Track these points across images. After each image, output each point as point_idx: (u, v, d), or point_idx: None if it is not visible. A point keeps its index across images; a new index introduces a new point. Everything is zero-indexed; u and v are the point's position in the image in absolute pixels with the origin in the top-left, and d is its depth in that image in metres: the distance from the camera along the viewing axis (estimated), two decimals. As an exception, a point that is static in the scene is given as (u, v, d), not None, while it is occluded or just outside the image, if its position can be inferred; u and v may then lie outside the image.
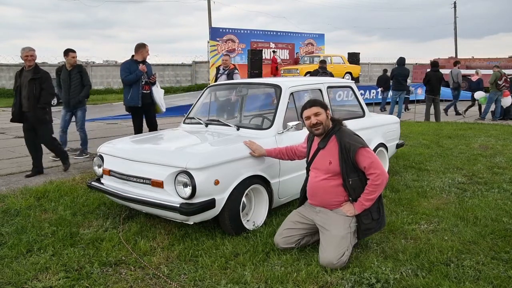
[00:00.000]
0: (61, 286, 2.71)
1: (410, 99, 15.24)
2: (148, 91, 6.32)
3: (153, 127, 6.53)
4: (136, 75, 6.12)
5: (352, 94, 5.21)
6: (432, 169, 5.71)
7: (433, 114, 11.68)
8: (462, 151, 6.90)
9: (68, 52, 6.57)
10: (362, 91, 16.15)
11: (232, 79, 7.57)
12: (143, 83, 6.22)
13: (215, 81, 7.93)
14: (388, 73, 15.05)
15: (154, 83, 6.35)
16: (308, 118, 3.14)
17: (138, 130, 6.43)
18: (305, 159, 3.36)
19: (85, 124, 6.87)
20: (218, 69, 8.16)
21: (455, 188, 4.82)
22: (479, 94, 13.42)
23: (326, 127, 3.14)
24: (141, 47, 6.30)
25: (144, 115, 6.45)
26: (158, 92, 6.44)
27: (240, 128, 4.06)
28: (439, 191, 4.71)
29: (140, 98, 6.22)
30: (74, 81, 6.57)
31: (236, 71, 7.93)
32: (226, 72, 7.82)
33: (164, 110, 6.57)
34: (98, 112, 14.18)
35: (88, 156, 6.83)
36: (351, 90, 5.21)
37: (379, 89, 15.28)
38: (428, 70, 12.31)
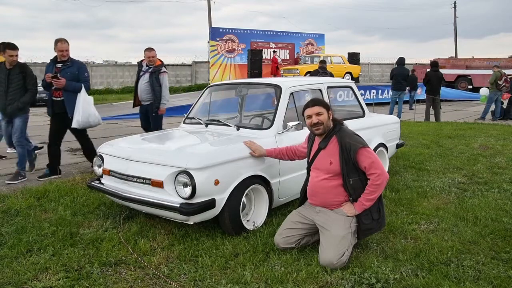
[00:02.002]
0: (61, 286, 2.71)
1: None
2: (60, 98, 5.23)
3: (82, 141, 5.52)
4: (43, 82, 5.21)
5: (352, 94, 5.21)
6: (432, 169, 5.71)
7: (433, 114, 11.69)
8: (462, 151, 6.90)
9: (5, 48, 5.22)
10: (362, 91, 16.17)
11: (158, 79, 6.20)
12: (53, 88, 5.22)
13: (137, 79, 6.44)
14: (415, 73, 15.40)
15: (68, 89, 5.15)
16: (310, 117, 3.14)
17: (51, 141, 5.46)
18: (306, 159, 3.36)
19: (24, 136, 5.49)
20: (140, 65, 6.49)
21: (455, 188, 4.82)
22: (484, 91, 13.42)
23: (327, 128, 3.14)
24: (54, 44, 5.16)
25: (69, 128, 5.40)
26: (80, 101, 5.20)
27: (240, 128, 4.06)
28: (439, 191, 4.71)
29: (51, 106, 5.29)
30: (14, 84, 5.22)
31: (164, 69, 6.36)
32: (150, 70, 6.24)
33: (77, 126, 5.21)
34: (98, 112, 14.15)
35: (25, 178, 5.41)
36: (351, 90, 5.21)
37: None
38: (428, 70, 12.30)
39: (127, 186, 3.57)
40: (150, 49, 6.34)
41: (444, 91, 15.47)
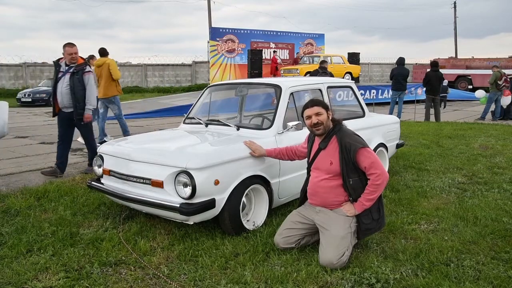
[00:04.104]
0: (61, 286, 2.71)
1: (447, 98, 16.50)
2: None
3: None
4: None
5: (352, 94, 5.21)
6: (432, 169, 5.71)
7: (433, 114, 11.69)
8: (462, 151, 6.90)
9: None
10: (362, 91, 16.17)
11: (81, 80, 5.30)
12: None
13: (55, 82, 5.42)
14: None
15: None
16: (309, 117, 3.14)
17: None
18: (306, 159, 3.36)
19: None
20: (58, 65, 5.46)
21: (455, 188, 4.82)
22: (480, 93, 13.44)
23: (327, 128, 3.14)
24: None
25: None
26: None
27: (240, 128, 4.06)
28: (439, 191, 4.71)
29: None
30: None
31: (89, 68, 5.45)
32: (71, 70, 5.30)
33: None
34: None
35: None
36: (351, 90, 5.21)
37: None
38: (428, 70, 12.30)
39: (127, 186, 3.57)
40: (71, 45, 5.34)
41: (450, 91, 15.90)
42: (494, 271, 2.83)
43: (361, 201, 3.03)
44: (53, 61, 5.57)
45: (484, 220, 3.73)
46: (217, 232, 3.50)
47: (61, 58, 5.46)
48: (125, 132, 8.06)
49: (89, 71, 5.42)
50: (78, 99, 5.31)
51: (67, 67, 5.37)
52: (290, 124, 3.83)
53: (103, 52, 8.05)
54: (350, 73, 19.01)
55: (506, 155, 6.57)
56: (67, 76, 5.32)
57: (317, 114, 3.11)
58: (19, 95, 18.81)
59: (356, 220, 3.05)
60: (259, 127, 4.13)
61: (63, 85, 5.33)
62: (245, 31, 23.03)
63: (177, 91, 24.25)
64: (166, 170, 3.30)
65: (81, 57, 5.48)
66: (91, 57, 8.72)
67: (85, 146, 5.83)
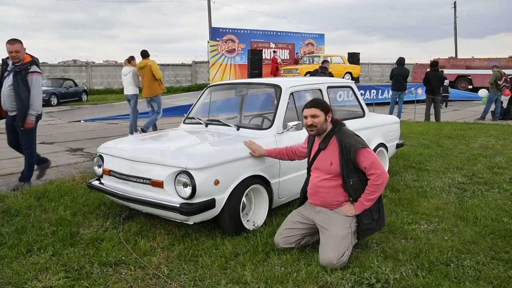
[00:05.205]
0: (61, 286, 2.71)
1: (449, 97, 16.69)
2: None
3: None
4: None
5: (352, 94, 5.21)
6: (432, 169, 5.71)
7: (433, 114, 11.69)
8: (462, 151, 6.90)
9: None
10: (362, 91, 16.17)
11: (24, 81, 4.61)
12: None
13: (1, 80, 4.80)
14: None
15: None
16: (306, 117, 3.14)
17: None
18: (306, 159, 3.36)
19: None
20: (5, 63, 4.85)
21: (455, 188, 4.82)
22: (483, 93, 13.48)
23: (321, 130, 3.13)
24: None
25: None
26: None
27: (240, 128, 4.06)
28: (439, 191, 4.71)
29: None
30: None
31: (34, 68, 4.69)
32: (16, 69, 4.62)
33: None
34: (98, 112, 14.18)
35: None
36: (351, 90, 5.21)
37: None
38: (428, 70, 12.30)
39: (127, 186, 3.57)
40: (11, 41, 4.63)
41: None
42: (494, 271, 2.83)
43: (361, 201, 3.03)
44: (2, 59, 4.99)
45: (484, 220, 3.73)
46: (217, 232, 3.50)
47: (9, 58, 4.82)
48: (146, 128, 8.54)
49: (34, 71, 4.66)
50: (22, 101, 4.61)
51: (13, 66, 4.69)
52: (290, 124, 3.83)
53: (144, 54, 8.47)
54: (350, 73, 19.01)
55: (506, 155, 6.57)
56: (11, 76, 4.67)
57: (313, 116, 3.10)
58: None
59: (356, 220, 3.05)
60: (259, 127, 4.13)
61: (6, 85, 4.71)
62: (245, 31, 23.03)
63: (177, 91, 24.24)
64: (166, 170, 3.30)
65: (29, 55, 4.76)
66: (132, 58, 8.98)
67: (24, 158, 4.98)
